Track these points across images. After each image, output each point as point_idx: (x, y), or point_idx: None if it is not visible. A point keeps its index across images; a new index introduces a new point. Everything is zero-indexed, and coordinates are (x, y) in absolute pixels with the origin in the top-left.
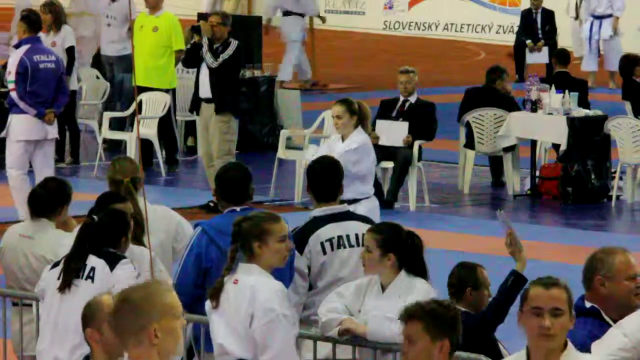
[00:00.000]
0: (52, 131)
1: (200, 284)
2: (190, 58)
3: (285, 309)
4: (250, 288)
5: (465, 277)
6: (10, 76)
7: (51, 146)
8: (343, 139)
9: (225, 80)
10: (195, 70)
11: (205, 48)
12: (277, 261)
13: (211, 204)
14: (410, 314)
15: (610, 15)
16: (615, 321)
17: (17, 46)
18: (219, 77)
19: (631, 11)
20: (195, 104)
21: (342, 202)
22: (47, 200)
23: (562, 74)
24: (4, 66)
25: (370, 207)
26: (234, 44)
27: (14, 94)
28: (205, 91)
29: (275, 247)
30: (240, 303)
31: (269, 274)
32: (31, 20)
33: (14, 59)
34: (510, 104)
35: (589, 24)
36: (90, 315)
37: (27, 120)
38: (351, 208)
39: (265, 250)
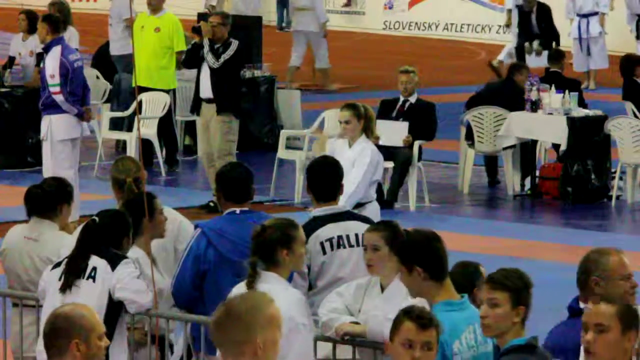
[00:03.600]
0: (86, 129)
1: (198, 285)
2: (190, 59)
3: (304, 317)
4: None
5: (468, 277)
6: (55, 79)
7: (79, 145)
8: (350, 144)
9: (227, 80)
10: (195, 71)
11: (206, 48)
12: (299, 266)
13: (211, 204)
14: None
15: (596, 13)
16: None
17: (46, 49)
18: (220, 78)
19: (622, 10)
20: (196, 104)
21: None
22: (44, 200)
23: (554, 74)
24: (4, 66)
25: (373, 211)
26: (234, 44)
27: (59, 97)
28: (206, 91)
29: (299, 252)
30: None
31: (287, 282)
32: (53, 21)
33: (53, 62)
34: (518, 102)
35: (576, 23)
36: (70, 327)
37: (68, 119)
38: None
39: (292, 257)
